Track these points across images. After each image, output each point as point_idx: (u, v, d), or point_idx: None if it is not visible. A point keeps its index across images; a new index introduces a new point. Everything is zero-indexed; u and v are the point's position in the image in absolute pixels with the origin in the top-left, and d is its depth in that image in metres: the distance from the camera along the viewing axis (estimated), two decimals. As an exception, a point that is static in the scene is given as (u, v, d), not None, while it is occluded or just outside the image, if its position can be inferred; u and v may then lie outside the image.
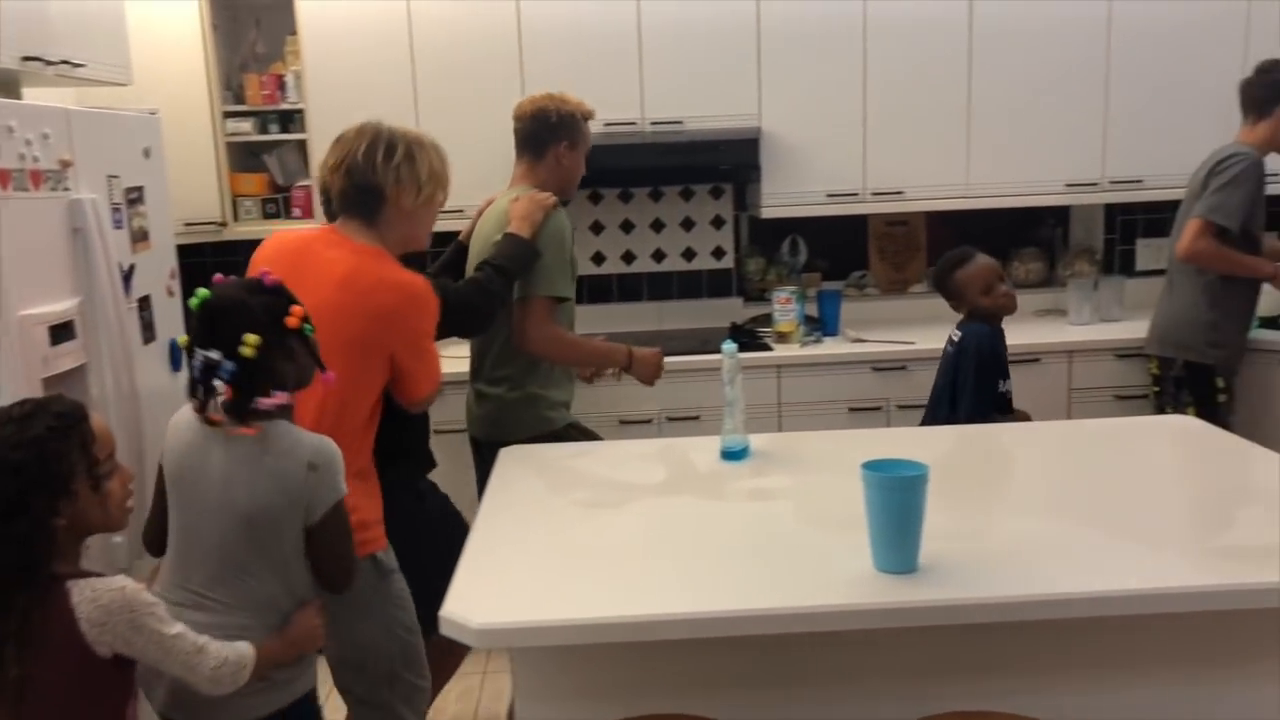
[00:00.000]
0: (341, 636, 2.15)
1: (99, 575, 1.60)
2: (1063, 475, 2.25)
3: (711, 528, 1.97)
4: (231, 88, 3.88)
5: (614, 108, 3.69)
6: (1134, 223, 4.28)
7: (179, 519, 1.83)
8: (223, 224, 3.80)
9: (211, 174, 3.76)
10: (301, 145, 3.87)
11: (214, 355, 1.73)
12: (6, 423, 1.55)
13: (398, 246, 2.25)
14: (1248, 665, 1.88)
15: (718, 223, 4.21)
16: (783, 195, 3.83)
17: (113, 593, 1.55)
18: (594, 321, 3.81)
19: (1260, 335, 3.55)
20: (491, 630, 1.59)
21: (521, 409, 2.77)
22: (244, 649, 1.69)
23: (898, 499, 1.64)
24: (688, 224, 4.20)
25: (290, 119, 3.87)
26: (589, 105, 2.86)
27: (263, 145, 3.93)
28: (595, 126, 3.79)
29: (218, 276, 1.85)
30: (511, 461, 2.44)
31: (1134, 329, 3.63)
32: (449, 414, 3.15)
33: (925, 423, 2.95)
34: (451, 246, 3.02)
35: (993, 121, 3.83)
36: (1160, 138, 3.78)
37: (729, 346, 2.34)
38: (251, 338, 1.72)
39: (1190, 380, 3.37)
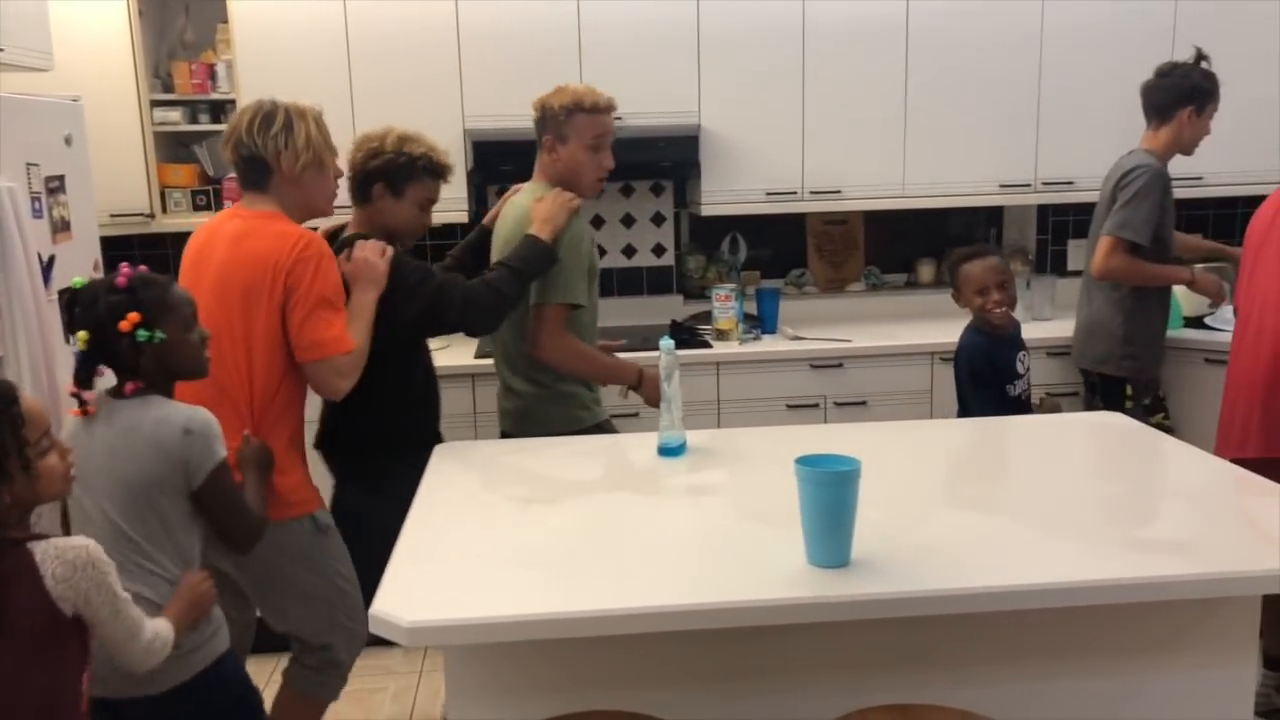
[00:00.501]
0: (286, 588, 2.34)
1: (54, 537, 1.64)
2: (994, 470, 2.28)
3: (647, 524, 1.96)
4: (159, 76, 3.78)
5: (554, 103, 3.67)
6: (1065, 224, 4.38)
7: (73, 506, 1.93)
8: (150, 215, 3.70)
9: (139, 164, 3.66)
10: (233, 136, 3.78)
11: (71, 339, 1.91)
12: None
13: (299, 213, 2.38)
14: (1171, 654, 1.93)
15: (658, 220, 4.21)
16: (722, 193, 3.84)
17: (77, 550, 1.61)
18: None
19: (1182, 335, 3.64)
20: (423, 628, 1.56)
21: (551, 405, 2.73)
22: (166, 624, 1.79)
23: (830, 494, 1.65)
24: (628, 220, 4.20)
25: (222, 109, 3.78)
26: (595, 95, 2.74)
27: (192, 135, 3.84)
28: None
29: (142, 267, 1.97)
30: (447, 457, 2.41)
31: (1065, 328, 3.70)
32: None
33: None
34: (475, 230, 3.02)
35: (928, 123, 3.88)
36: (1091, 140, 3.86)
37: (666, 343, 2.34)
38: (81, 334, 1.89)
39: (1104, 389, 3.45)
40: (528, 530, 1.94)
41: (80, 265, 2.77)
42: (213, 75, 3.72)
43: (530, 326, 2.66)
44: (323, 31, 3.61)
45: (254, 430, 2.24)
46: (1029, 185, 3.96)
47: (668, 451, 2.36)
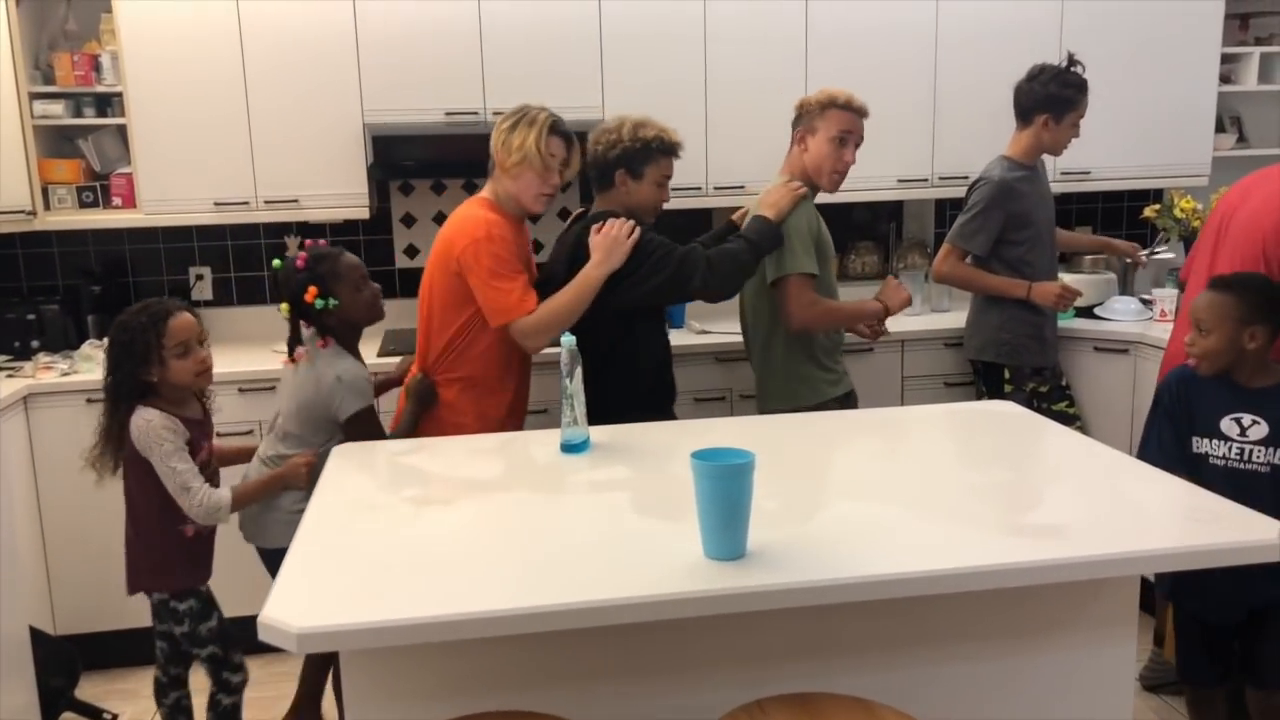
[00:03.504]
0: None
1: (167, 412, 2.46)
2: (890, 460, 2.33)
3: (546, 522, 1.95)
4: (40, 67, 3.62)
5: (456, 97, 3.63)
6: (962, 218, 4.48)
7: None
8: (32, 213, 3.55)
9: (18, 159, 3.50)
10: (122, 130, 3.65)
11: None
12: (126, 313, 2.41)
13: (510, 203, 2.77)
14: (1059, 634, 1.99)
15: (564, 215, 4.19)
16: (628, 188, 3.84)
17: (148, 420, 2.42)
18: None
19: (1072, 325, 3.78)
20: (314, 634, 1.53)
21: (796, 383, 3.02)
22: (224, 496, 2.47)
23: (724, 487, 1.66)
24: (533, 216, 4.16)
25: (108, 102, 3.64)
26: (851, 95, 2.98)
27: (77, 129, 3.69)
28: (436, 116, 3.72)
29: (322, 242, 2.71)
30: (342, 459, 2.36)
31: (962, 319, 3.80)
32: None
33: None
34: (724, 224, 3.30)
35: (829, 118, 3.93)
36: (984, 136, 3.94)
37: (567, 339, 2.33)
38: (283, 306, 2.60)
39: (986, 376, 3.58)
40: (425, 531, 1.92)
41: (-48, 265, 2.64)
42: (97, 67, 3.58)
43: (778, 303, 2.95)
44: (214, 18, 3.51)
45: (428, 372, 2.78)
46: (926, 180, 4.05)
47: (570, 449, 2.35)
